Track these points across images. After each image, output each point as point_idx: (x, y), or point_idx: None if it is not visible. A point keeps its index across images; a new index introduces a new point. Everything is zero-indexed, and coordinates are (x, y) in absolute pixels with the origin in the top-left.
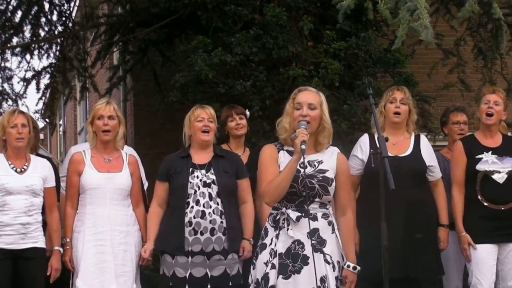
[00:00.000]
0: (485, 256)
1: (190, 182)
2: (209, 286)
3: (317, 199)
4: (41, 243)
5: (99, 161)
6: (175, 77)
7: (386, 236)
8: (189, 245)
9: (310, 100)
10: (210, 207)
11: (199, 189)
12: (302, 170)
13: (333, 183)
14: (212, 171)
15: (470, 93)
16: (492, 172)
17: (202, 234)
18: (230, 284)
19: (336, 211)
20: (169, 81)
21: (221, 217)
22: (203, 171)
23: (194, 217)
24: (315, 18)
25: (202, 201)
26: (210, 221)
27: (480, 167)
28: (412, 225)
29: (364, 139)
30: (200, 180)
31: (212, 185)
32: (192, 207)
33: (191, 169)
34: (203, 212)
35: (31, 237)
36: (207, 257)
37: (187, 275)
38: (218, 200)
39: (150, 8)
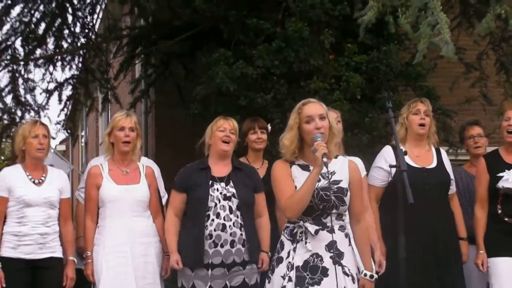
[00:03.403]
0: (506, 270)
1: (211, 195)
2: None
3: (334, 211)
4: (58, 253)
5: (117, 173)
6: (196, 90)
7: (404, 250)
8: (209, 258)
9: (320, 111)
10: (230, 220)
11: (219, 202)
12: (317, 184)
13: (348, 193)
14: (231, 184)
15: (492, 107)
16: None
17: (222, 246)
18: None
19: (351, 219)
20: (191, 94)
21: (240, 230)
22: (223, 184)
23: (215, 230)
24: (336, 32)
25: (222, 214)
26: (231, 234)
27: (500, 185)
28: (443, 238)
29: (388, 150)
30: (220, 193)
31: (233, 198)
32: (213, 220)
33: (210, 181)
34: (224, 225)
35: (49, 247)
36: (227, 269)
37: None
38: (238, 213)
39: (172, 21)
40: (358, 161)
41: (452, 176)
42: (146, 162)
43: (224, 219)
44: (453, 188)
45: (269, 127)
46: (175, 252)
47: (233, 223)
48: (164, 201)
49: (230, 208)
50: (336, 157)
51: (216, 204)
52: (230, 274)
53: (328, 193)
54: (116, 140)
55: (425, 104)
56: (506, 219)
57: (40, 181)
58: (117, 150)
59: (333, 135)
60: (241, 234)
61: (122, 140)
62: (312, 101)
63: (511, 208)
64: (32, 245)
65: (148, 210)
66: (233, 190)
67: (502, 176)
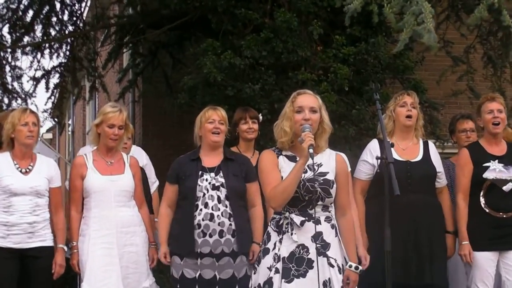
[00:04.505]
0: (485, 263)
1: (199, 185)
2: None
3: (319, 203)
4: (48, 241)
5: (101, 164)
6: (183, 80)
7: (390, 242)
8: (198, 247)
9: (311, 104)
10: (219, 209)
11: (207, 192)
12: (303, 175)
13: (334, 185)
14: (221, 174)
15: (479, 101)
16: (504, 182)
17: (210, 236)
18: (237, 287)
19: (336, 212)
20: (179, 83)
21: (229, 220)
22: (212, 174)
23: (203, 220)
24: (325, 23)
25: (210, 204)
26: (219, 224)
27: (487, 175)
28: (425, 231)
29: (374, 144)
30: (209, 183)
31: (221, 188)
32: (201, 209)
33: (200, 172)
34: (212, 215)
35: (38, 235)
36: (216, 259)
37: (197, 276)
38: (227, 202)
39: (160, 10)
40: (343, 156)
41: (439, 169)
42: (135, 150)
43: (212, 209)
44: (441, 181)
45: (260, 117)
46: (164, 244)
47: (221, 212)
48: (155, 187)
49: (219, 197)
50: (324, 150)
51: (204, 194)
52: (219, 264)
53: (314, 185)
54: (103, 134)
55: (412, 97)
56: (488, 210)
57: (28, 170)
58: (103, 143)
59: (324, 130)
60: (230, 224)
61: (110, 137)
62: (307, 93)
63: (493, 200)
64: (21, 235)
65: (133, 200)
66: (222, 180)
67: (488, 167)
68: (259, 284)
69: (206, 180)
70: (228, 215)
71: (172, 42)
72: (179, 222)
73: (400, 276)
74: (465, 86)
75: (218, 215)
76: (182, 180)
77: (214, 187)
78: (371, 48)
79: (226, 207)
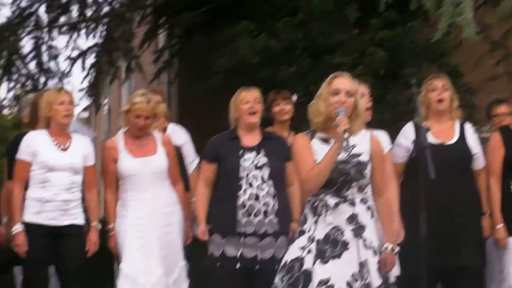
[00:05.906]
0: None
1: (241, 165)
2: (257, 267)
3: (354, 184)
4: (80, 220)
5: (133, 146)
6: (218, 61)
7: (425, 225)
8: (242, 227)
9: (348, 87)
10: (263, 189)
11: (251, 172)
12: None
13: (369, 166)
14: (263, 153)
15: None
16: None
17: (255, 216)
18: (276, 267)
19: (373, 193)
20: (214, 65)
21: (273, 199)
22: (254, 153)
23: (248, 199)
24: (360, 6)
25: (255, 183)
26: (264, 204)
27: None
28: (461, 214)
29: (409, 128)
30: (252, 163)
31: (264, 167)
32: (245, 189)
33: (241, 151)
34: (257, 195)
35: (71, 214)
36: (259, 239)
37: (238, 255)
38: (270, 182)
39: None
40: (382, 135)
41: (476, 151)
42: (172, 129)
43: (257, 188)
44: (479, 163)
45: (295, 98)
46: (202, 222)
47: (266, 192)
48: (195, 164)
49: (262, 177)
50: (358, 133)
51: (248, 174)
52: (261, 244)
53: (347, 166)
54: (132, 123)
55: (442, 79)
56: None
57: (66, 147)
58: (132, 127)
59: (357, 115)
60: (274, 204)
61: (136, 126)
62: (345, 76)
63: None
64: (54, 212)
65: (168, 179)
66: (265, 159)
67: None
68: (286, 261)
69: (249, 159)
70: (272, 195)
71: (207, 23)
72: (221, 202)
73: (437, 258)
74: (502, 71)
75: (263, 195)
76: (222, 159)
77: (257, 167)
78: (408, 32)
79: (270, 186)
